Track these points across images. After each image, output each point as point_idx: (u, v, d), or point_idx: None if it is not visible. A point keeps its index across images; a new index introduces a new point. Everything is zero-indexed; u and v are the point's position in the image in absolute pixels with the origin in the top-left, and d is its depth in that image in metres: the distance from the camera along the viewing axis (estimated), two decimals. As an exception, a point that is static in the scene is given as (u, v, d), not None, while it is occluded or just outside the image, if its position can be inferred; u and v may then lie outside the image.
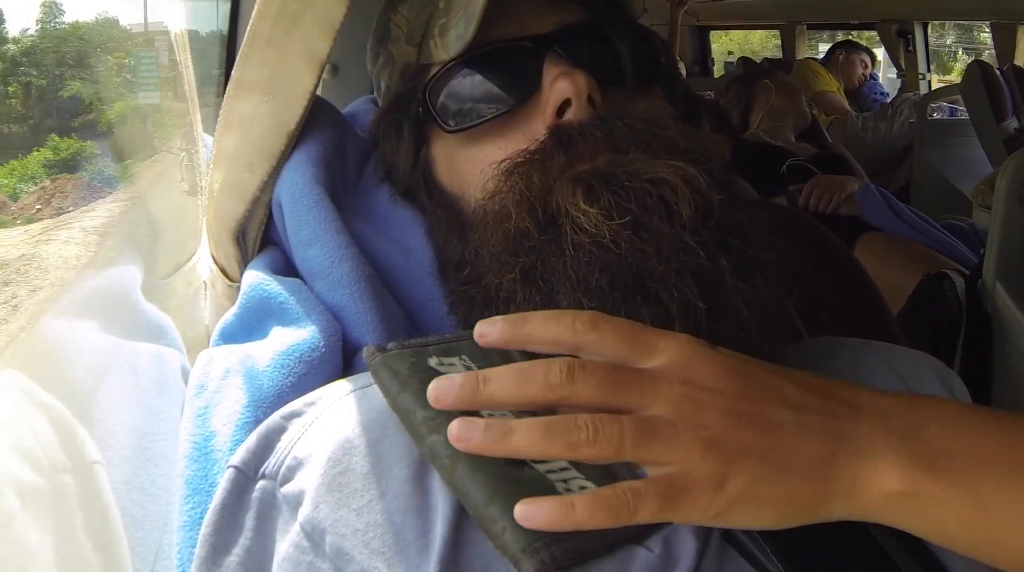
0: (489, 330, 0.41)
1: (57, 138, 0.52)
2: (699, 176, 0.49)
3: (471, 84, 0.57)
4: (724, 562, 0.44)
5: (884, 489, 0.38)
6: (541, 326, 0.40)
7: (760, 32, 4.96)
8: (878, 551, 0.45)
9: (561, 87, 0.53)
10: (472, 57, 0.56)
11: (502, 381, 0.38)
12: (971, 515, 0.39)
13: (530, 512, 0.36)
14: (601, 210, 0.47)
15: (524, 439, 0.37)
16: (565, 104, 0.53)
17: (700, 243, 0.47)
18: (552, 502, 0.36)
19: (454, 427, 0.38)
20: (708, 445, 0.37)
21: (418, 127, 0.60)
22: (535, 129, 0.54)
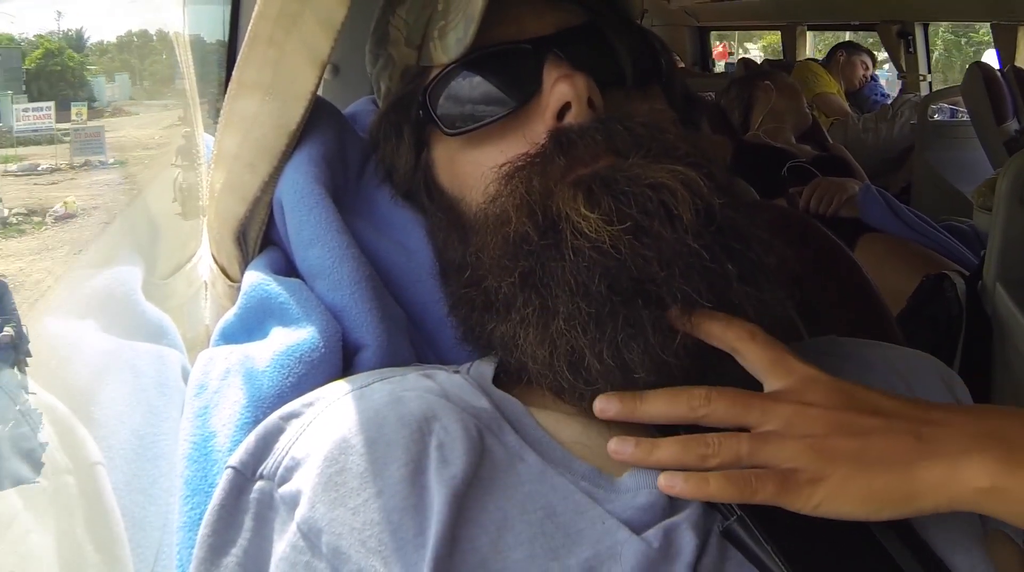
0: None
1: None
2: (699, 180, 0.49)
3: (471, 87, 0.56)
4: (724, 560, 0.45)
5: (972, 485, 0.43)
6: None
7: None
8: (877, 547, 0.45)
9: (561, 90, 0.53)
10: (472, 60, 0.56)
11: (656, 401, 0.47)
12: None
13: (672, 482, 0.45)
14: (602, 215, 0.47)
15: (666, 453, 0.46)
16: (565, 107, 0.53)
17: (704, 246, 0.47)
18: (691, 476, 0.44)
19: (612, 443, 0.47)
20: (811, 449, 0.44)
21: (418, 130, 0.60)
22: (535, 132, 0.53)
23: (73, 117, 0.56)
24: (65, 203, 0.55)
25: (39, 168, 0.52)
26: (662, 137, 0.52)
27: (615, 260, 0.47)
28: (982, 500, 0.43)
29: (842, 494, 0.43)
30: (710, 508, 0.46)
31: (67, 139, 0.54)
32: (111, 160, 0.61)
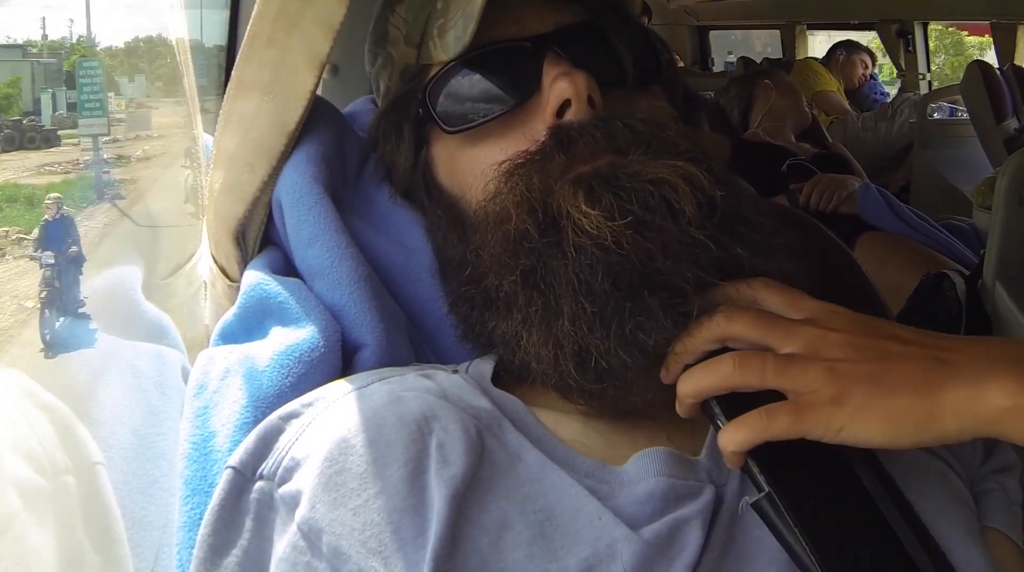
0: None
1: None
2: (700, 174, 0.48)
3: (471, 85, 0.56)
4: (725, 554, 0.45)
5: (994, 405, 0.43)
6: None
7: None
8: (889, 531, 0.46)
9: (561, 87, 0.53)
10: (471, 58, 0.56)
11: (685, 338, 0.47)
12: None
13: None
14: (602, 212, 0.47)
15: (693, 379, 0.46)
16: (565, 105, 0.53)
17: (709, 236, 0.47)
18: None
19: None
20: (832, 372, 0.44)
21: (418, 128, 0.60)
22: (535, 130, 0.53)
23: (113, 107, 0.72)
24: (143, 150, 0.76)
25: (103, 141, 0.70)
26: (662, 134, 0.52)
27: (618, 256, 0.47)
28: (1003, 421, 0.43)
29: (864, 416, 0.43)
30: (730, 489, 0.46)
31: (115, 123, 0.72)
32: (156, 134, 0.80)
